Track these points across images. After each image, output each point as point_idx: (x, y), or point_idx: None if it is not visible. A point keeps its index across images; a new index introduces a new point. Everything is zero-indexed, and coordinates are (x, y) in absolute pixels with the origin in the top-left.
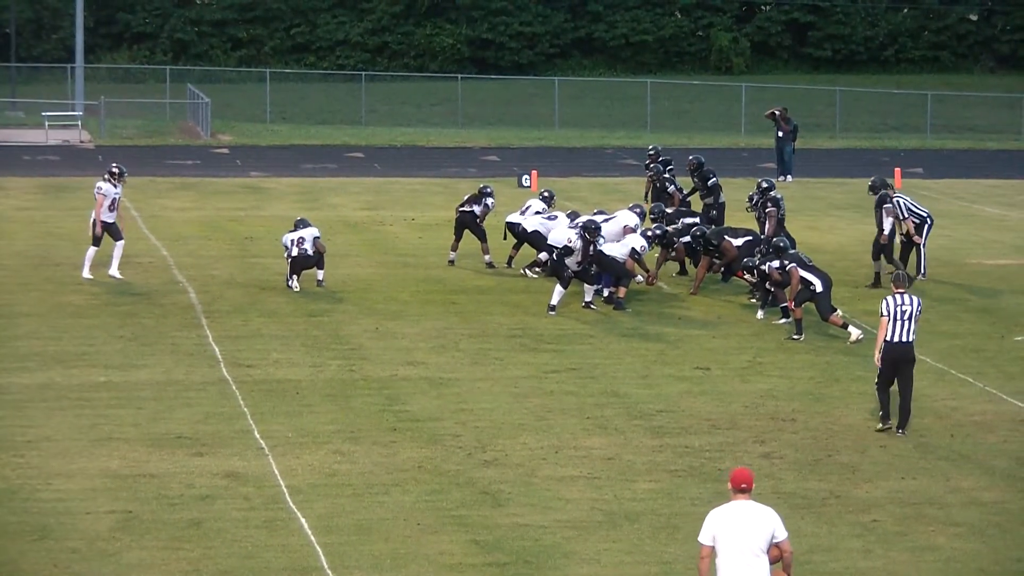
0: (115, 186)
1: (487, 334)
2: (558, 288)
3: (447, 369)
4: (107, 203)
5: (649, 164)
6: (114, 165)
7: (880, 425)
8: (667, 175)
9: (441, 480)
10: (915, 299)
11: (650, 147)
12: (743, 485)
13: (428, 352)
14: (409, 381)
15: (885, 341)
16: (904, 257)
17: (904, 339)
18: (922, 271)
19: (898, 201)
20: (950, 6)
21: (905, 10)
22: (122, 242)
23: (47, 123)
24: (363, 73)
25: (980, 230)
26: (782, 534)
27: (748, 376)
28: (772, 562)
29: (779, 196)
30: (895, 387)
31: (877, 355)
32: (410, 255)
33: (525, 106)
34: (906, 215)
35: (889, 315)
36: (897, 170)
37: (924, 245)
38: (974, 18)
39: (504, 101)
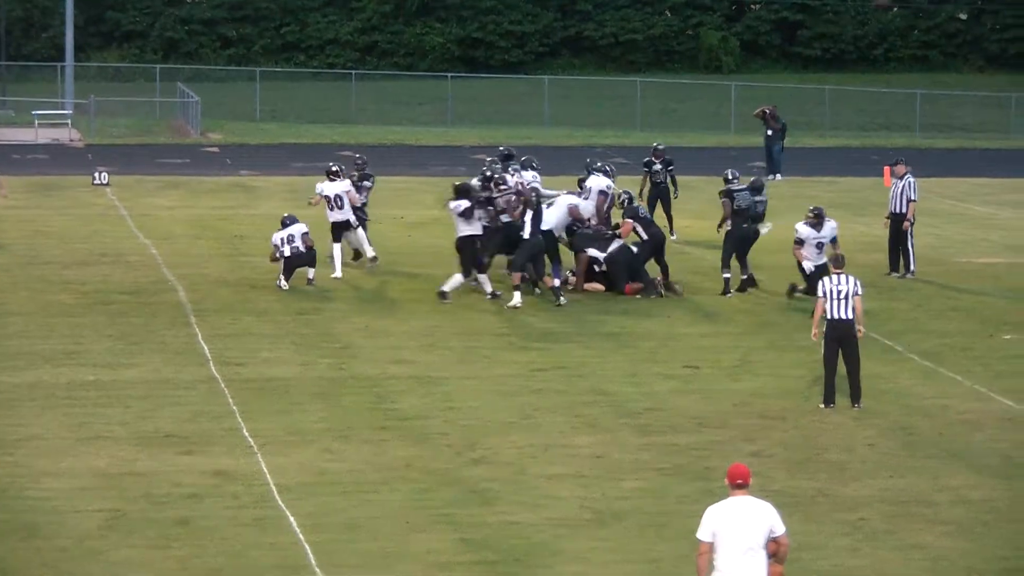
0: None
1: (475, 332)
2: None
3: (436, 367)
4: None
5: (650, 161)
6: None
7: (823, 405)
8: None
9: (430, 478)
10: (852, 279)
11: (658, 144)
12: (739, 480)
13: (417, 350)
14: (398, 379)
15: (827, 320)
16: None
17: (844, 316)
18: (911, 268)
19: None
20: (939, 5)
21: (895, 9)
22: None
23: (37, 121)
24: (353, 72)
25: (969, 229)
26: (780, 528)
27: (738, 375)
28: (770, 556)
29: (740, 188)
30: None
31: (815, 332)
32: (399, 253)
33: (514, 105)
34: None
35: (826, 295)
36: (886, 168)
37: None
38: (964, 17)
39: (493, 100)
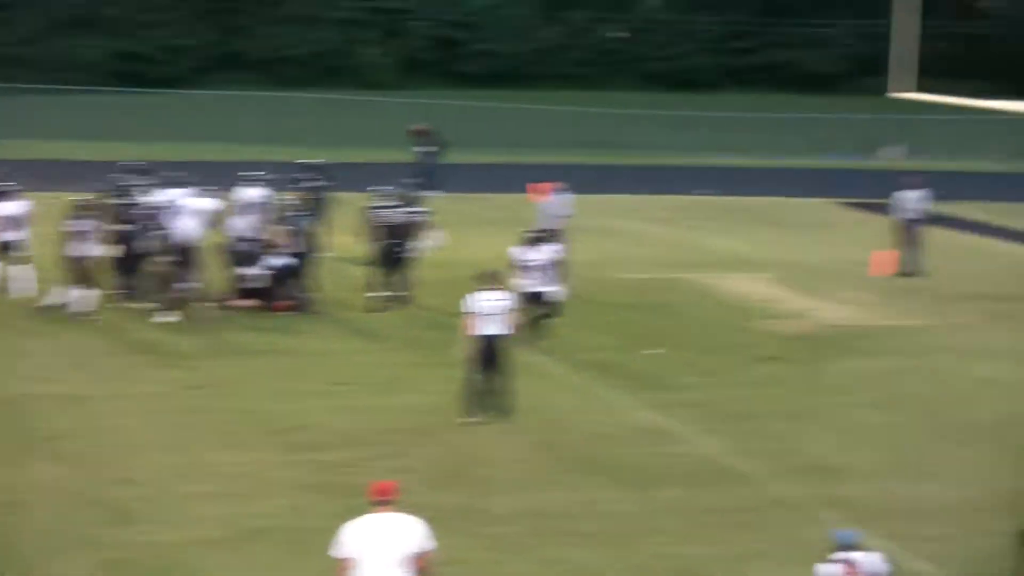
0: None
1: (123, 351)
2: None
3: (82, 386)
4: None
5: (305, 176)
6: None
7: (466, 419)
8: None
9: (72, 499)
10: (504, 295)
11: (309, 160)
12: (383, 497)
13: (64, 369)
14: (42, 399)
15: (474, 336)
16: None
17: (493, 332)
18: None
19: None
20: (596, 23)
21: (555, 27)
22: None
23: None
24: (2, 86)
25: (621, 245)
26: (427, 544)
27: (387, 391)
28: (418, 572)
29: (392, 204)
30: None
31: (463, 348)
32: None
33: (174, 120)
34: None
35: (473, 311)
36: (545, 185)
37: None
38: (623, 36)
39: (152, 115)
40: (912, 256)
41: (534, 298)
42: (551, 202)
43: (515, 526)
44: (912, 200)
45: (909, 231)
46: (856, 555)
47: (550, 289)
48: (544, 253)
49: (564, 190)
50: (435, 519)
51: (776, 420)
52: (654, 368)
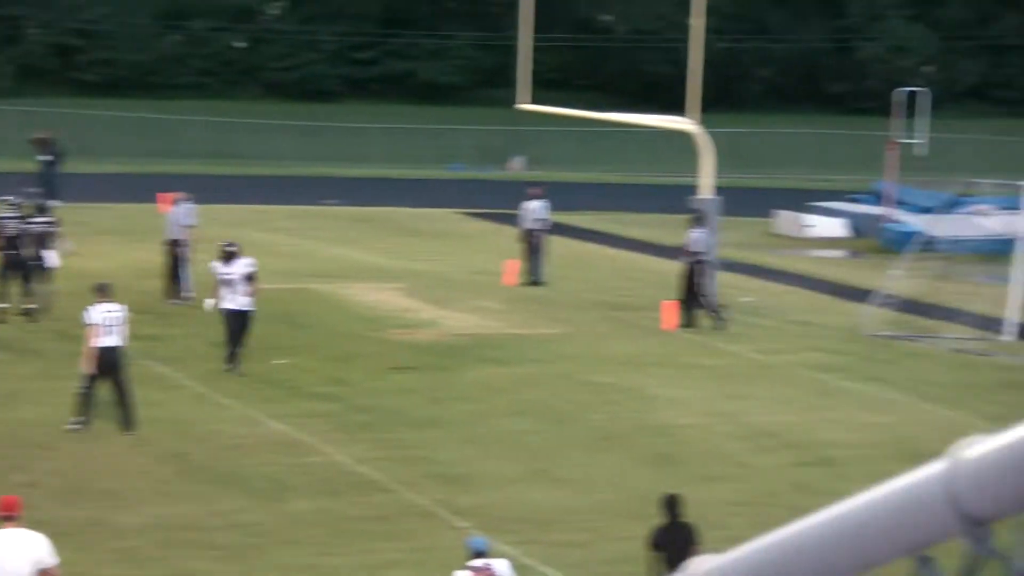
0: None
1: None
2: None
3: None
4: None
5: None
6: None
7: (71, 425)
8: None
9: None
10: (119, 307)
11: None
12: (7, 512)
13: None
14: None
15: (96, 348)
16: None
17: (112, 344)
18: (188, 293)
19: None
20: (217, 32)
21: (173, 36)
22: None
23: None
24: None
25: (248, 255)
26: (51, 560)
27: (7, 404)
28: None
29: (9, 216)
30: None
31: (86, 362)
32: None
33: None
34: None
35: (95, 323)
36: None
37: None
38: (243, 46)
39: None
40: (536, 265)
41: (232, 314)
42: (174, 212)
43: (144, 539)
44: (533, 211)
45: (532, 240)
46: (493, 561)
47: (243, 304)
48: (239, 267)
49: (187, 200)
50: (63, 534)
51: (409, 429)
52: (285, 378)
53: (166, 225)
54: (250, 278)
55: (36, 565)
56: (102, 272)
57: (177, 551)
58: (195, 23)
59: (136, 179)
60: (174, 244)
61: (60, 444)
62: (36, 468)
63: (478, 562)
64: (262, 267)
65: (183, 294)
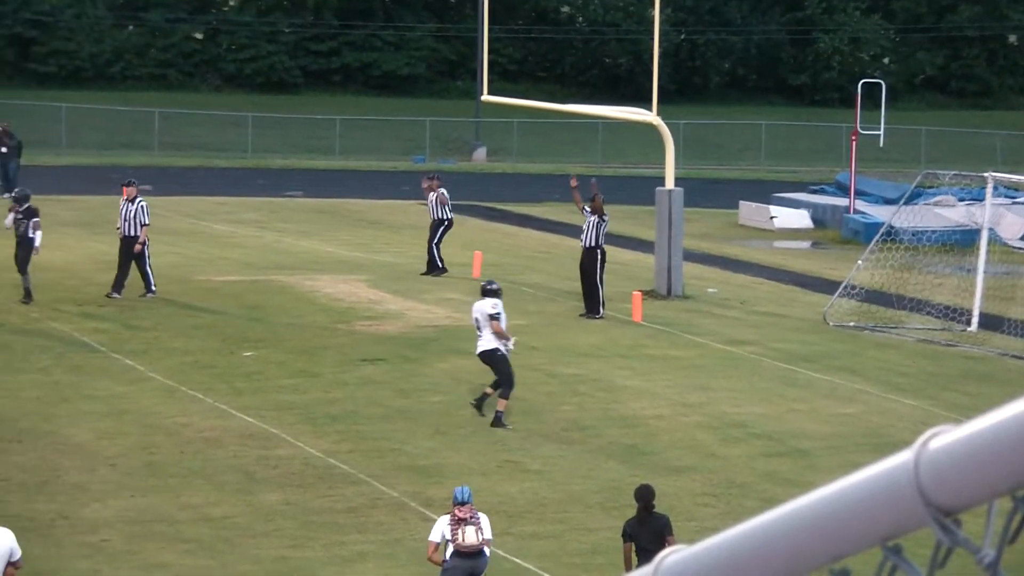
0: None
1: None
2: None
3: None
4: None
5: None
6: None
7: None
8: None
9: None
10: None
11: None
12: None
13: None
14: None
15: None
16: None
17: None
18: (151, 288)
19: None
20: (175, 24)
21: (131, 27)
22: None
23: None
24: None
25: (209, 247)
26: (17, 553)
27: None
28: None
29: None
30: None
31: None
32: None
33: None
34: None
35: None
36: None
37: None
38: (200, 36)
39: None
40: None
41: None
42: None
43: (113, 533)
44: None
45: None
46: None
47: None
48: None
49: (140, 197)
50: (30, 528)
51: (378, 421)
52: (253, 371)
53: (121, 221)
54: None
55: (6, 559)
56: (63, 265)
57: (147, 544)
58: (153, 14)
59: (96, 171)
60: (129, 240)
61: (25, 438)
62: (2, 461)
63: (463, 510)
64: (222, 259)
65: (152, 288)
